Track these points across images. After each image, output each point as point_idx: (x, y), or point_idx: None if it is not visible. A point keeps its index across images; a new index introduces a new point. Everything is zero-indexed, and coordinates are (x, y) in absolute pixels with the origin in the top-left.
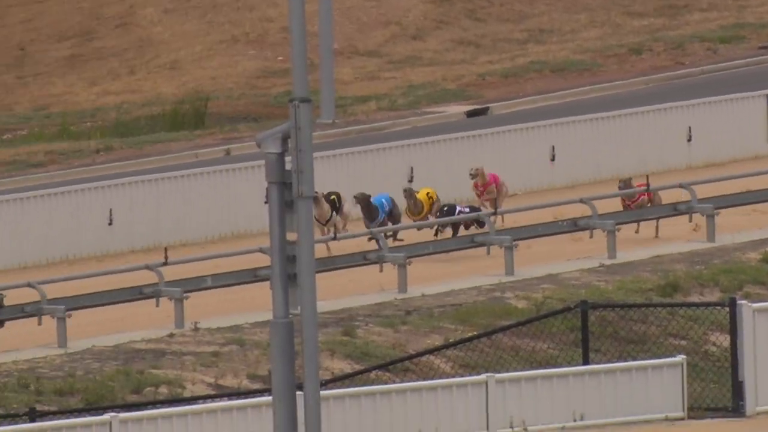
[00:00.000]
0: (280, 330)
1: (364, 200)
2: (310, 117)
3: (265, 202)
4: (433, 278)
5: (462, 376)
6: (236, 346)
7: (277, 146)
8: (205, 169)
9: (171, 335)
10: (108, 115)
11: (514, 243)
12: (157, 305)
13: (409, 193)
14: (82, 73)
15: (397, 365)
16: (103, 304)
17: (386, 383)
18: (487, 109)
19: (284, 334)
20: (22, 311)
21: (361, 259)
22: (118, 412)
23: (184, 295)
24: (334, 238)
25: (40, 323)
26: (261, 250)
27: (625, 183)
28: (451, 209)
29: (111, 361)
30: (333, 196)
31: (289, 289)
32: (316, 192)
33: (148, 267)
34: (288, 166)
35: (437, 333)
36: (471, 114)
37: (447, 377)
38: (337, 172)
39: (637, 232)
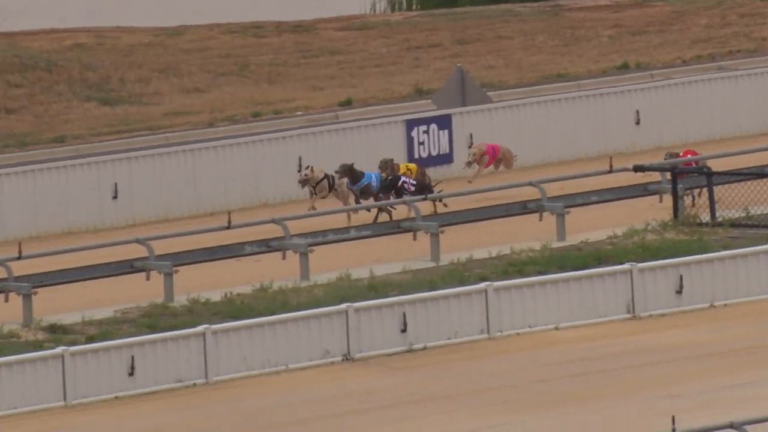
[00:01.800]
0: None
1: (348, 169)
2: None
3: None
4: None
5: None
6: None
7: None
8: None
9: None
10: None
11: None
12: None
13: (386, 164)
14: None
15: None
16: None
17: None
18: None
19: None
20: None
21: None
22: None
23: None
24: (314, 209)
25: None
26: None
27: (671, 155)
28: (395, 180)
29: None
30: (330, 174)
31: None
32: (308, 170)
33: None
34: None
35: None
36: None
37: None
38: None
39: None
